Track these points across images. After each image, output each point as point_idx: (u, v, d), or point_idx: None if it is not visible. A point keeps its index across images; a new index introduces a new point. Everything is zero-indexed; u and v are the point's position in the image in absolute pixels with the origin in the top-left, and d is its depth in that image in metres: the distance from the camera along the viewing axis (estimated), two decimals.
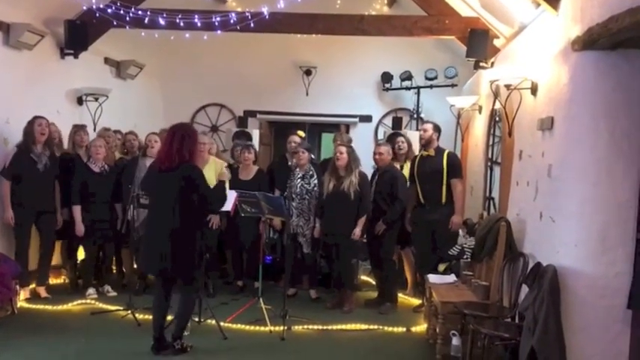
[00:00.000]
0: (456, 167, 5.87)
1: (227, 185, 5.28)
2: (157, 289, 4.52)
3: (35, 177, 5.69)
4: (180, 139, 4.32)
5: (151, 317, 4.82)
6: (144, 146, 6.27)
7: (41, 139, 5.73)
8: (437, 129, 5.98)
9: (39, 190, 5.74)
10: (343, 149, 5.89)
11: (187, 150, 4.33)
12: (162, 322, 4.48)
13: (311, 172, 6.19)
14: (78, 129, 6.40)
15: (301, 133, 6.92)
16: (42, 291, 5.94)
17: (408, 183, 6.11)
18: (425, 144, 5.96)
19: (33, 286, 5.95)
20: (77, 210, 5.96)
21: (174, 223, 4.27)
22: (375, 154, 6.21)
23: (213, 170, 6.05)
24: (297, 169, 6.20)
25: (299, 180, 6.16)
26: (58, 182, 5.96)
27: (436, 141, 5.95)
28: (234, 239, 6.45)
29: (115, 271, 6.62)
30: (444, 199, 5.80)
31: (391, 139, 7.30)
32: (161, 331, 4.48)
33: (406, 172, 6.28)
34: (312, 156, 6.52)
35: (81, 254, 6.33)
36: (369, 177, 6.14)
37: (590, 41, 3.53)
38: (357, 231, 5.78)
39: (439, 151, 5.92)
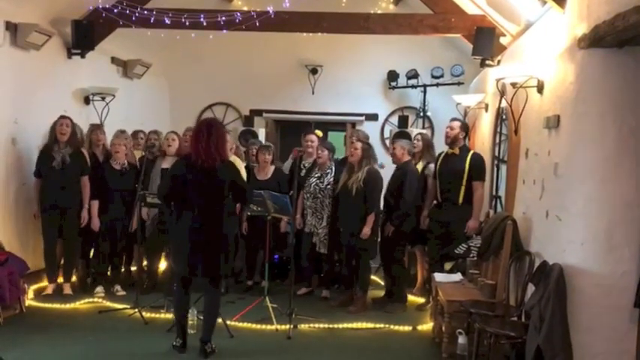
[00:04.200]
0: (480, 169, 5.64)
1: None
2: (179, 290, 4.49)
3: (52, 174, 5.78)
4: (217, 136, 4.29)
5: (157, 316, 4.87)
6: (157, 145, 6.28)
7: (62, 139, 5.82)
8: (464, 127, 5.80)
9: (57, 187, 5.80)
10: (359, 145, 5.83)
11: (222, 147, 4.32)
12: (185, 321, 4.52)
13: (329, 171, 6.13)
14: (95, 128, 6.47)
15: (319, 132, 6.80)
16: (66, 287, 5.99)
17: (430, 180, 6.01)
18: (451, 142, 5.77)
19: (41, 284, 5.99)
20: (95, 205, 6.02)
21: (214, 223, 4.29)
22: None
23: None
24: (317, 168, 6.15)
25: (314, 179, 6.12)
26: (87, 179, 5.98)
27: (462, 140, 5.77)
28: (252, 239, 6.42)
29: (124, 270, 6.64)
30: (460, 200, 5.62)
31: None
32: (185, 330, 4.51)
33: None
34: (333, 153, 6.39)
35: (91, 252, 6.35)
36: (392, 174, 6.09)
37: (597, 39, 3.51)
38: (367, 230, 5.68)
39: (464, 149, 5.75)
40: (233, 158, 6.13)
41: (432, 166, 6.09)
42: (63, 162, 5.80)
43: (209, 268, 4.35)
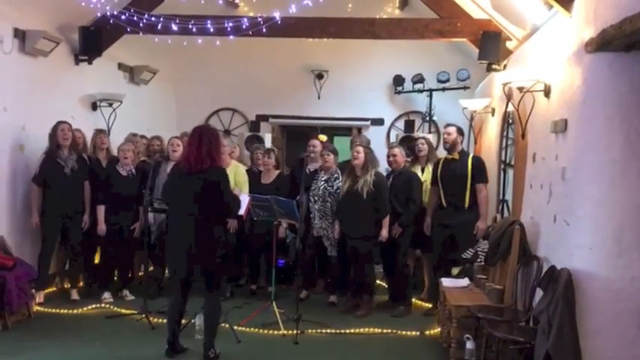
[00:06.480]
0: (482, 172, 5.78)
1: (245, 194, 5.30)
2: (175, 294, 4.52)
3: (63, 181, 5.76)
4: (209, 142, 4.31)
5: (164, 321, 4.87)
6: (164, 150, 6.31)
7: (65, 144, 5.81)
8: (460, 132, 5.94)
9: (67, 193, 5.81)
10: (360, 149, 5.88)
11: (216, 152, 4.34)
12: (177, 326, 4.51)
13: (336, 175, 6.13)
14: (99, 132, 6.52)
15: (323, 137, 6.81)
16: (74, 293, 6.00)
17: (430, 186, 6.06)
18: (449, 147, 5.89)
19: (49, 289, 5.99)
20: (101, 210, 6.01)
21: (200, 225, 4.28)
22: (388, 156, 6.20)
23: (232, 174, 6.13)
24: (322, 172, 6.16)
25: (322, 182, 6.11)
26: (88, 185, 6.02)
27: (460, 144, 5.91)
28: (252, 243, 6.47)
29: (130, 275, 6.65)
30: (467, 204, 5.72)
31: (404, 141, 7.30)
32: (175, 334, 4.50)
33: (427, 174, 6.26)
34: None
35: (96, 257, 6.37)
36: (392, 180, 6.10)
37: (604, 43, 3.50)
38: (384, 232, 5.75)
39: (463, 154, 5.88)
40: (235, 163, 6.21)
41: None
42: (72, 169, 5.82)
43: (190, 270, 4.38)
